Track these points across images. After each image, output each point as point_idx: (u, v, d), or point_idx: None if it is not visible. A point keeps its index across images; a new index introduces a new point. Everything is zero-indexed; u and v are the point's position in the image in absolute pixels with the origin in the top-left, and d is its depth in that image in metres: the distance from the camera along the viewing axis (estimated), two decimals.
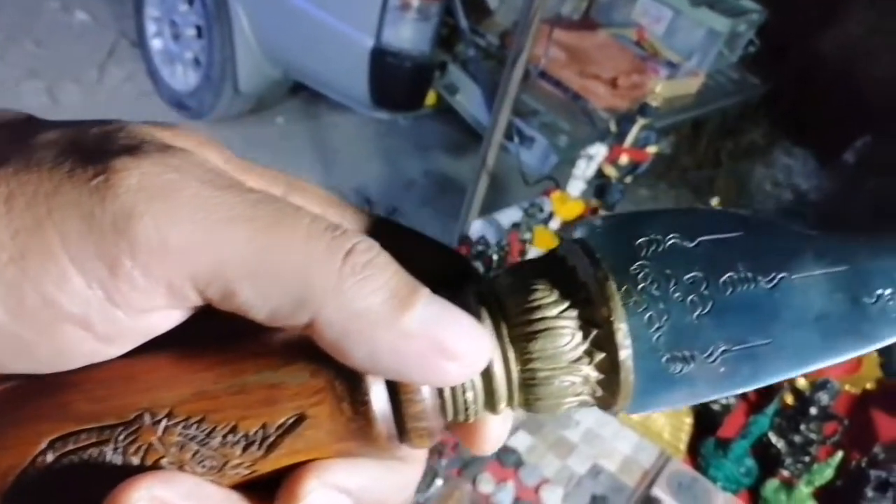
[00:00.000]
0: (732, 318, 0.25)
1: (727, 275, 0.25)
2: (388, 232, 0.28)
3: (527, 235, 1.69)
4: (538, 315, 0.25)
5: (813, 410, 1.47)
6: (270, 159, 3.39)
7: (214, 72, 3.14)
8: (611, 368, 0.25)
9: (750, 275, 0.26)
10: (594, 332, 0.25)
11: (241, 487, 0.25)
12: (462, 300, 0.25)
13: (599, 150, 1.63)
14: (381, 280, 0.22)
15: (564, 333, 0.25)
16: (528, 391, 0.26)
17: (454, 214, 2.29)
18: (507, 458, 1.30)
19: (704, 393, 0.25)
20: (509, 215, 1.91)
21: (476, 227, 1.91)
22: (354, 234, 0.23)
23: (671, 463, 1.38)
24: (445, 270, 0.28)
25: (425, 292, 0.23)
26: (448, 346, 0.22)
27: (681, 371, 0.25)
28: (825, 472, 1.32)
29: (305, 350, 0.23)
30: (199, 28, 3.16)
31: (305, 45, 2.81)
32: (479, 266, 1.67)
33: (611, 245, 0.26)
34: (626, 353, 0.24)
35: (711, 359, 0.25)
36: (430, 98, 2.85)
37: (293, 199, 0.26)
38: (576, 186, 1.70)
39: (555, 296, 0.25)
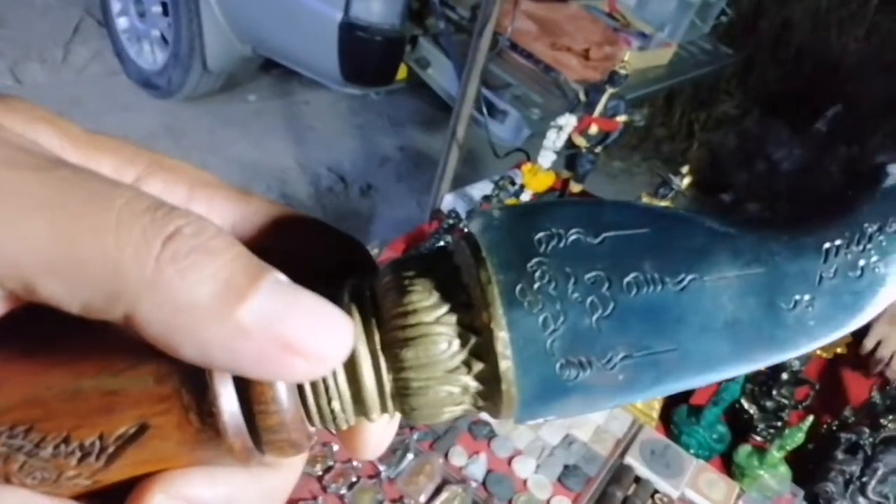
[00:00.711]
0: (635, 322, 0.23)
1: (632, 275, 0.24)
2: (275, 218, 0.26)
3: None
4: (413, 320, 0.23)
5: (784, 375, 1.48)
6: (242, 137, 3.35)
7: (182, 49, 3.08)
8: (491, 379, 0.23)
9: (657, 275, 0.24)
10: (473, 340, 0.23)
11: (88, 496, 0.23)
12: (332, 296, 0.23)
13: (569, 121, 1.61)
14: (210, 268, 0.19)
15: (440, 341, 0.23)
16: (402, 401, 0.24)
17: (430, 190, 2.28)
18: (479, 431, 1.30)
19: (601, 402, 0.24)
20: (481, 188, 1.90)
21: (448, 201, 1.90)
22: (183, 214, 0.20)
23: (643, 431, 1.38)
24: (339, 262, 0.26)
25: (269, 279, 0.20)
26: (292, 340, 0.20)
27: (576, 378, 0.23)
28: (797, 437, 1.34)
29: (151, 350, 0.20)
30: (164, 5, 3.10)
31: (273, 21, 2.77)
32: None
33: (507, 239, 0.23)
34: (506, 364, 0.22)
35: (610, 365, 0.23)
36: (401, 72, 2.82)
37: (153, 180, 0.24)
38: (546, 158, 1.69)
39: (433, 299, 0.23)
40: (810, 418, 1.35)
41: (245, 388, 0.22)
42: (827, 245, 0.25)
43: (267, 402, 0.22)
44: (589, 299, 0.23)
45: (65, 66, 3.36)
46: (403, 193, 3.37)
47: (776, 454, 1.36)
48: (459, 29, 2.79)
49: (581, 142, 1.65)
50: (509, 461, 1.28)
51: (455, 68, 2.60)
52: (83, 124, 0.24)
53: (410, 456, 1.21)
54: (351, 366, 0.23)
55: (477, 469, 1.23)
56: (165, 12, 3.11)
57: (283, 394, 0.22)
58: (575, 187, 1.75)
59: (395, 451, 1.20)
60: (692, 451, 1.40)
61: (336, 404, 0.23)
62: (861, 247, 0.25)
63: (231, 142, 3.32)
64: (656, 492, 1.29)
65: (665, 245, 0.24)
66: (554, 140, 1.65)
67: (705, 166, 4.16)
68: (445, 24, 2.66)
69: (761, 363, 0.24)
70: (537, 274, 0.23)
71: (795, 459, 1.41)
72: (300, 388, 0.23)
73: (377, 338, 0.23)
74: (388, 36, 2.59)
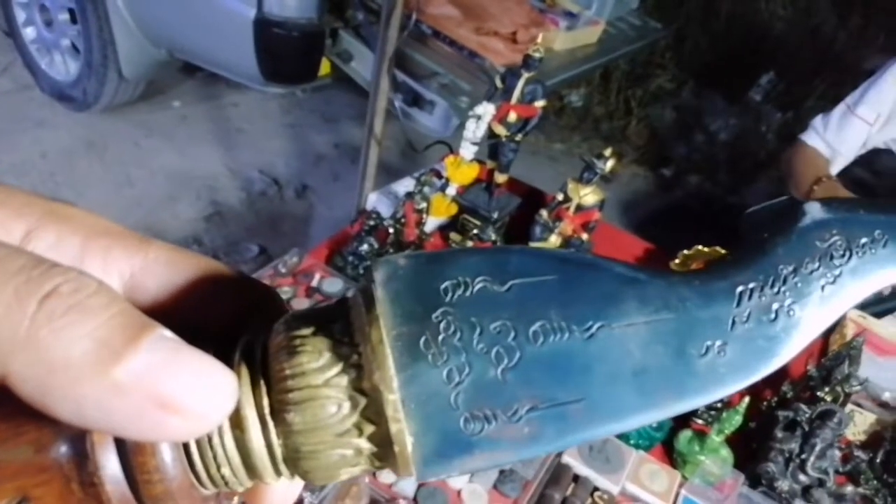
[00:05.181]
0: (541, 373, 0.23)
1: (538, 323, 0.23)
2: (177, 265, 0.25)
3: (422, 205, 1.61)
4: (301, 383, 0.22)
5: None
6: (168, 146, 3.23)
7: (94, 58, 2.95)
8: (384, 441, 0.22)
9: (563, 323, 0.23)
10: (363, 403, 0.22)
11: None
12: (224, 354, 0.22)
13: (487, 109, 1.55)
14: (86, 327, 0.19)
15: (328, 404, 0.22)
16: (294, 464, 0.23)
17: None
18: None
19: (505, 456, 0.23)
20: (406, 185, 1.83)
21: (372, 200, 1.83)
22: (62, 271, 0.19)
23: None
24: (244, 307, 0.25)
25: (150, 337, 0.19)
26: (168, 397, 0.19)
27: (480, 432, 0.22)
28: (734, 420, 1.31)
29: (31, 418, 0.20)
30: (71, 11, 2.96)
31: (184, 21, 2.65)
32: (373, 242, 1.59)
33: (411, 289, 0.23)
34: (397, 427, 0.22)
35: (516, 418, 0.22)
36: (325, 67, 2.73)
37: (44, 233, 0.23)
38: (468, 149, 1.63)
39: (323, 360, 0.22)
40: (746, 399, 1.32)
41: (128, 456, 0.21)
42: (740, 288, 0.24)
43: (150, 471, 0.21)
44: (494, 350, 0.23)
45: None
46: (340, 192, 3.28)
47: (716, 438, 1.33)
48: (381, 18, 2.70)
49: (500, 130, 1.59)
50: None
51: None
52: None
53: None
54: (239, 430, 0.22)
55: (406, 485, 1.17)
56: (74, 20, 2.96)
57: (168, 462, 0.21)
58: (500, 178, 1.69)
59: None
60: (631, 441, 1.36)
61: (226, 470, 0.23)
62: (776, 289, 0.24)
63: (156, 152, 3.19)
64: (596, 489, 1.25)
65: (572, 292, 0.23)
66: (473, 130, 1.59)
67: (645, 142, 4.16)
68: (365, 15, 2.58)
69: (671, 411, 0.24)
70: (442, 325, 0.22)
71: (738, 440, 1.38)
72: (188, 453, 0.22)
73: (266, 401, 0.23)
74: (306, 30, 2.49)
